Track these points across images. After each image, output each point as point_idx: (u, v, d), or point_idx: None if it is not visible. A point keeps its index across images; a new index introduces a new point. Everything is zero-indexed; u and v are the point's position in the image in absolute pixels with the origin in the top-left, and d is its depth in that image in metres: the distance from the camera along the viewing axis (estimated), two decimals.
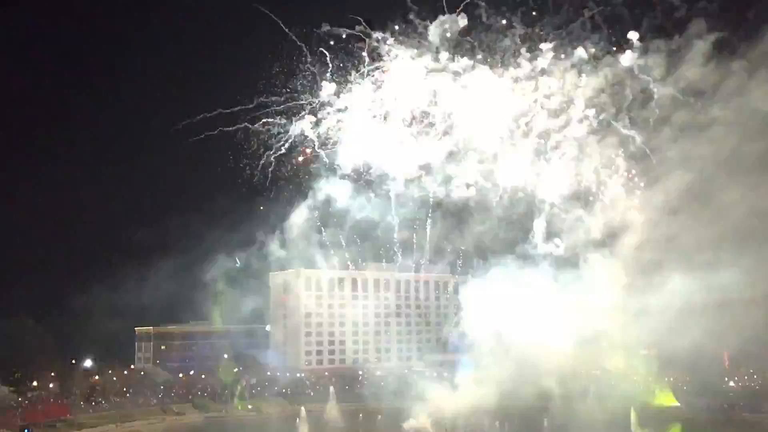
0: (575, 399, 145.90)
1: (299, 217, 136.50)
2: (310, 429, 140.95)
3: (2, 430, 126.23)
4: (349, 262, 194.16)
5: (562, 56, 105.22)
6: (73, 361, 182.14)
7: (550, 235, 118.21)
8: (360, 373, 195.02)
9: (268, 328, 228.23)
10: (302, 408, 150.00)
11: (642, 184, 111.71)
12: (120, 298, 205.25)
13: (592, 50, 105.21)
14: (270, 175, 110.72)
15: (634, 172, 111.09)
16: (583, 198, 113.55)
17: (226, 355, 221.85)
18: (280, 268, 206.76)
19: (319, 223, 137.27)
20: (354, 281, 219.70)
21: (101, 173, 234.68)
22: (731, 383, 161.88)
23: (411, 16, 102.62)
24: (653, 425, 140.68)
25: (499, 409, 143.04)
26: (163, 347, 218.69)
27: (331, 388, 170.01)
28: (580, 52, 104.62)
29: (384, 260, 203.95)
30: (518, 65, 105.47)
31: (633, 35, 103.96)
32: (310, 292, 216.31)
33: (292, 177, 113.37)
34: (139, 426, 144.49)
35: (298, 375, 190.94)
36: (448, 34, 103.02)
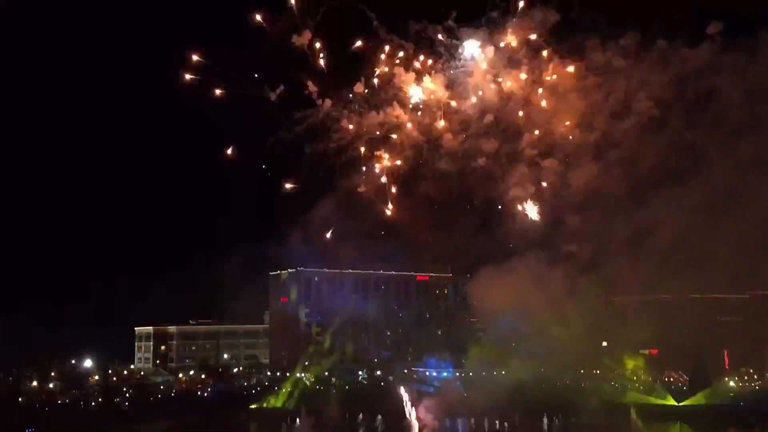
0: (577, 398, 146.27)
1: (322, 211, 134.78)
2: (310, 429, 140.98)
3: (2, 430, 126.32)
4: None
5: (638, 53, 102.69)
6: (73, 361, 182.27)
7: (576, 234, 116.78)
8: (360, 373, 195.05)
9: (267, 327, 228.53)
10: (302, 408, 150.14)
11: (682, 184, 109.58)
12: (121, 297, 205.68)
13: (679, 48, 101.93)
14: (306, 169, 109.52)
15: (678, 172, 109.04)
16: (616, 198, 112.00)
17: (226, 355, 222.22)
18: (294, 265, 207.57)
19: (338, 218, 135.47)
20: (356, 281, 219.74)
21: (104, 169, 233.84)
22: (731, 383, 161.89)
23: (494, 15, 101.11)
24: (653, 425, 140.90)
25: (504, 407, 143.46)
26: (162, 347, 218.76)
27: (331, 389, 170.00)
28: (660, 45, 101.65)
29: (394, 260, 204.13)
30: (591, 61, 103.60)
31: (714, 28, 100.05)
32: (311, 291, 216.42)
33: (327, 171, 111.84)
34: (139, 426, 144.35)
35: (298, 375, 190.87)
36: (527, 27, 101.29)
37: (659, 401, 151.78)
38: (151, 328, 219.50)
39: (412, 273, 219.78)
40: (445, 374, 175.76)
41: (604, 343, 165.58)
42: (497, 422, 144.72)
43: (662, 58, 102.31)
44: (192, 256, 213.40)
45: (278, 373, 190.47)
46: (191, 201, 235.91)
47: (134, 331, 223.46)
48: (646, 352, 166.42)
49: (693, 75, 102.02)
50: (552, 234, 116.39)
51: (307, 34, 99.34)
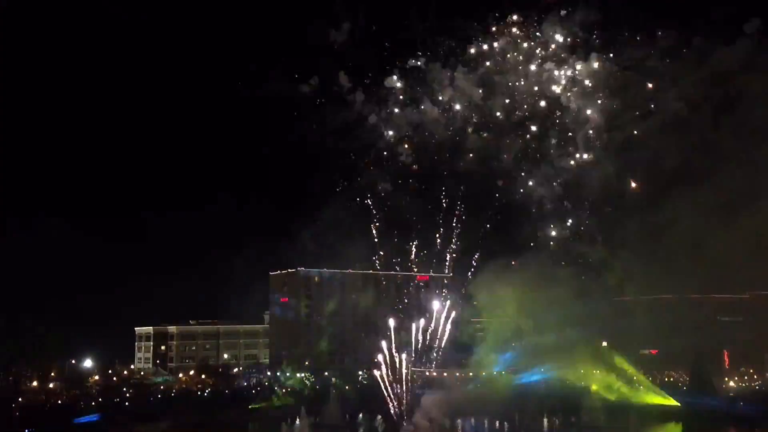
0: (577, 398, 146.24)
1: (337, 209, 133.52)
2: (310, 429, 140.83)
3: (2, 430, 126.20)
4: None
5: (673, 51, 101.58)
6: (73, 361, 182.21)
7: (587, 234, 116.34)
8: (360, 373, 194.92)
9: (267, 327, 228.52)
10: (302, 408, 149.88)
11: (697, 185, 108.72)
12: (121, 297, 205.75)
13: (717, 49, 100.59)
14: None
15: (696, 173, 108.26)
16: (631, 198, 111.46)
17: (226, 355, 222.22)
18: (294, 265, 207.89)
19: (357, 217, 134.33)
20: (356, 280, 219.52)
21: (106, 168, 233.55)
22: (731, 383, 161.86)
23: (530, 21, 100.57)
24: (653, 425, 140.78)
25: (503, 407, 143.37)
26: (162, 347, 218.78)
27: (331, 389, 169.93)
28: (697, 42, 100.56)
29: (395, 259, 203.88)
30: (626, 59, 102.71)
31: (751, 26, 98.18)
32: (311, 292, 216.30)
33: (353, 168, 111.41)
34: (139, 426, 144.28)
35: (298, 375, 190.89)
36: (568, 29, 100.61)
37: (659, 401, 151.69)
38: (151, 328, 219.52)
39: (413, 272, 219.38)
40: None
41: (604, 343, 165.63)
42: (497, 422, 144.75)
43: (697, 56, 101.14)
44: (192, 256, 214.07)
45: (278, 373, 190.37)
46: (192, 201, 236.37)
47: (134, 331, 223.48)
48: (646, 352, 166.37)
49: (725, 73, 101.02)
50: (564, 233, 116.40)
51: (347, 28, 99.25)
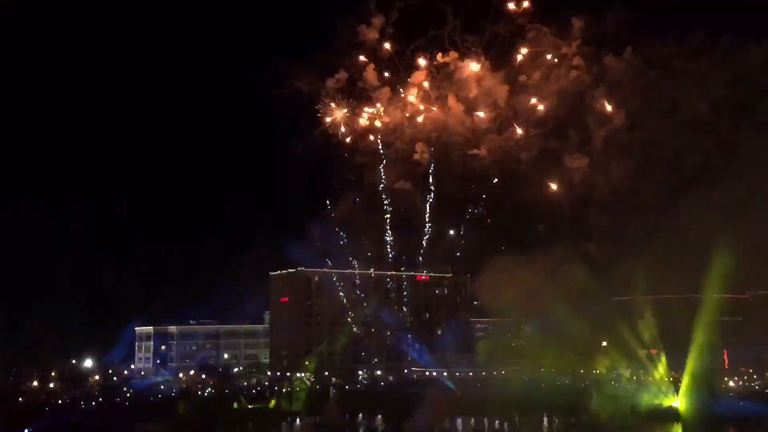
0: (577, 398, 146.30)
1: (343, 208, 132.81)
2: (310, 429, 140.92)
3: (2, 429, 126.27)
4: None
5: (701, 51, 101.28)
6: (73, 361, 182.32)
7: (598, 233, 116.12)
8: (360, 373, 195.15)
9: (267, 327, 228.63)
10: (302, 408, 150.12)
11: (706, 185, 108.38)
12: (121, 297, 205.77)
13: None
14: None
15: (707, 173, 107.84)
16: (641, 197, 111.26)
17: (226, 355, 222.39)
18: (294, 265, 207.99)
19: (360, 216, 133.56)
20: (356, 281, 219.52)
21: (108, 169, 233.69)
22: (731, 383, 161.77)
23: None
24: (653, 425, 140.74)
25: (503, 408, 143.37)
26: (163, 347, 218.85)
27: (331, 388, 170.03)
28: (724, 40, 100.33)
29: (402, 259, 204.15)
30: (652, 59, 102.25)
31: None
32: (311, 292, 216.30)
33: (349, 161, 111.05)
34: (140, 426, 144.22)
35: (298, 374, 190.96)
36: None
37: (659, 401, 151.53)
38: (151, 328, 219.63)
39: (413, 273, 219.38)
40: None
41: (604, 343, 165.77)
42: (497, 422, 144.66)
43: (723, 56, 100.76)
44: (192, 256, 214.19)
45: (278, 373, 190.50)
46: (191, 202, 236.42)
47: (134, 331, 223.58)
48: (646, 352, 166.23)
49: (748, 74, 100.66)
50: (571, 232, 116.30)
51: (378, 24, 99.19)
